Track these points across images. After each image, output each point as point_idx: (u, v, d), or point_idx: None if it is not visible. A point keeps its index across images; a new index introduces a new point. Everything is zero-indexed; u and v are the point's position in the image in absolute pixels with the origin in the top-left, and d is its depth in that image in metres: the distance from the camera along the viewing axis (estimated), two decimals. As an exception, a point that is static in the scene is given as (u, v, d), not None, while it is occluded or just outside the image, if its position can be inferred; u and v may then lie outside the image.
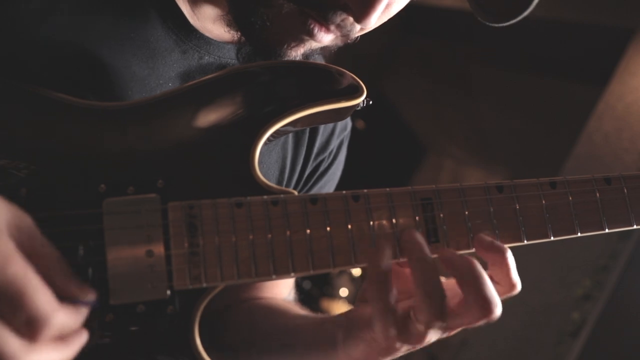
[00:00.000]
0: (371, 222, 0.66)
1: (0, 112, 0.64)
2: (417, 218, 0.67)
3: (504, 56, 4.67)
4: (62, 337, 0.52)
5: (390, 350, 0.65)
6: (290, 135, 0.97)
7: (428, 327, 0.61)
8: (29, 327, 0.49)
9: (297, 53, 0.80)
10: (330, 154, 1.05)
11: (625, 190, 0.72)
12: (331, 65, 0.72)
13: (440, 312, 0.59)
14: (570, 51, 4.02)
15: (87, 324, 0.56)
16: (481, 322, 0.61)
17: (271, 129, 0.69)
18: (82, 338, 0.55)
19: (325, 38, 0.77)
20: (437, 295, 0.59)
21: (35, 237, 0.53)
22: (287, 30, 0.76)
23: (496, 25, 0.80)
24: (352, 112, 0.74)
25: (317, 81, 0.72)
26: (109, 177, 0.63)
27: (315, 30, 0.75)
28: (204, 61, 0.85)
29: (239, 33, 0.80)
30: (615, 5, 3.43)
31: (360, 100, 0.71)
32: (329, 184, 1.09)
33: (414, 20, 4.47)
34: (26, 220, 0.53)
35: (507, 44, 4.36)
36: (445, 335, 0.65)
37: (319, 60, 0.99)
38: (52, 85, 0.71)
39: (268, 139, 0.70)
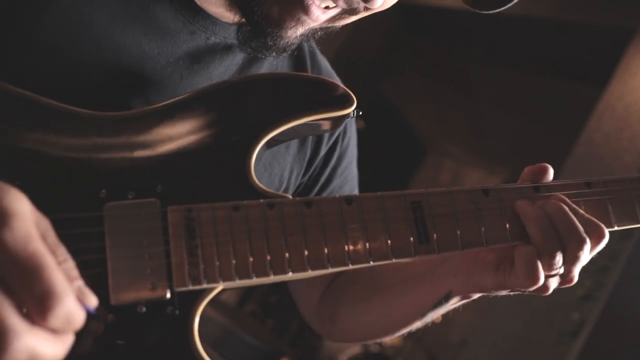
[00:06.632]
0: (364, 225, 0.68)
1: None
2: (408, 221, 0.69)
3: (504, 56, 4.68)
4: (59, 331, 0.51)
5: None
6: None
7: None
8: (42, 302, 0.48)
9: (295, 34, 0.80)
10: (344, 129, 1.06)
11: (606, 194, 0.75)
12: (323, 77, 0.75)
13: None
14: (570, 51, 4.02)
15: (89, 325, 0.57)
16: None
17: (264, 138, 0.71)
18: (71, 340, 0.53)
19: (322, 17, 0.78)
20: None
21: (51, 236, 0.53)
22: (284, 8, 0.77)
23: (486, 12, 0.83)
24: (344, 121, 0.77)
25: (311, 92, 0.75)
26: (109, 183, 0.65)
27: (313, 8, 0.76)
28: (210, 42, 0.86)
29: (239, 13, 0.81)
30: (616, 5, 3.43)
31: (350, 110, 0.74)
32: (350, 167, 1.09)
33: (414, 20, 4.48)
34: (45, 220, 0.54)
35: (507, 44, 4.37)
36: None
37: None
38: (62, 70, 0.72)
39: (267, 144, 0.72)
